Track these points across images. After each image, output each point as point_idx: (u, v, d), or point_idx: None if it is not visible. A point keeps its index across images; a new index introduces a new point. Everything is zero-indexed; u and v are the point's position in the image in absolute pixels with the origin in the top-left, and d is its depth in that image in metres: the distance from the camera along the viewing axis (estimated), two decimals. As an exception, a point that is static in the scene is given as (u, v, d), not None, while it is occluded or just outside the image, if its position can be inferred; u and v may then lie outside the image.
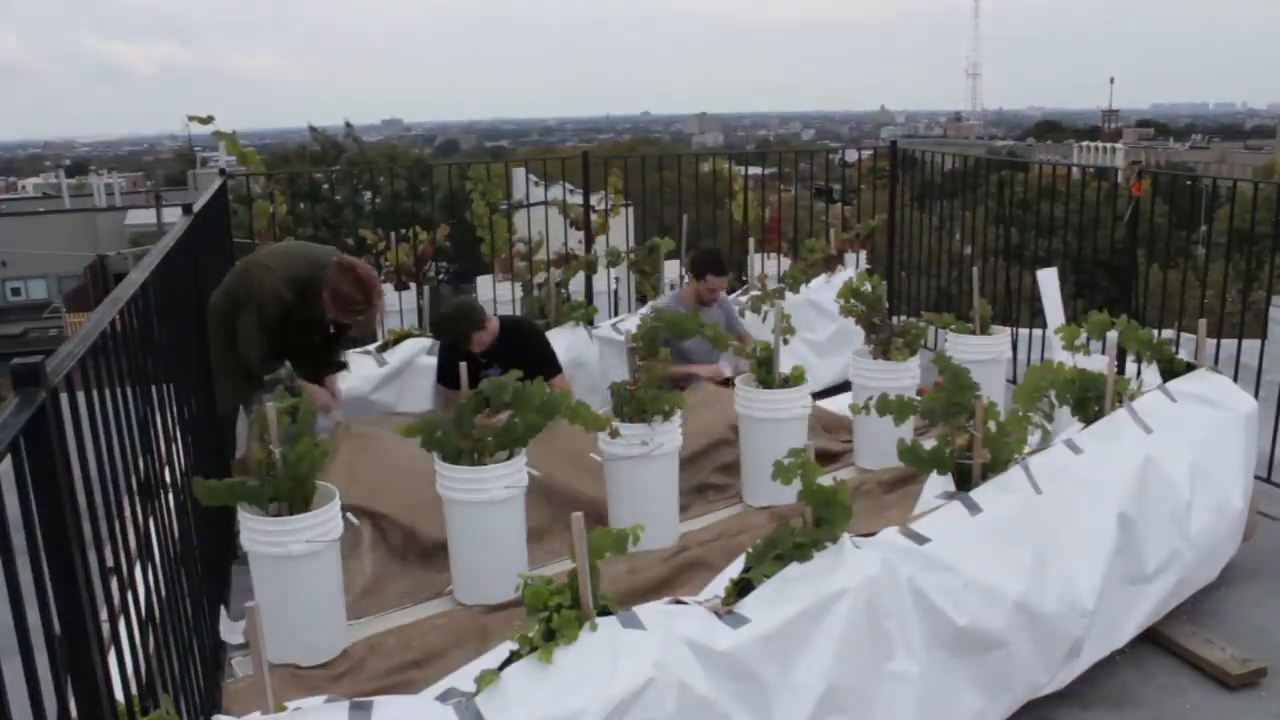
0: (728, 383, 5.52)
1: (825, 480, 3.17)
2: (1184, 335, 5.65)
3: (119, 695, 2.19)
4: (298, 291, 4.57)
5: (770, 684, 3.09)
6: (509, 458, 4.03)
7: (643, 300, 7.09)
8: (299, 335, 4.70)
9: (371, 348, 5.51)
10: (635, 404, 4.42)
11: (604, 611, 2.91)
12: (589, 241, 7.69)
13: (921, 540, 3.28)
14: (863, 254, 7.90)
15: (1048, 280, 5.89)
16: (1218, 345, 5.29)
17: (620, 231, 8.35)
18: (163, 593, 2.68)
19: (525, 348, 5.28)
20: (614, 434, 4.34)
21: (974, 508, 3.36)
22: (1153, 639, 3.68)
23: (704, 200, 9.01)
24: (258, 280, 4.56)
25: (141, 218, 36.20)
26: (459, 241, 10.26)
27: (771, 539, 3.20)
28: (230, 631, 3.74)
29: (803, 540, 3.15)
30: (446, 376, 5.30)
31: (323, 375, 4.88)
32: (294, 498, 3.60)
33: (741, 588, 3.15)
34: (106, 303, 2.52)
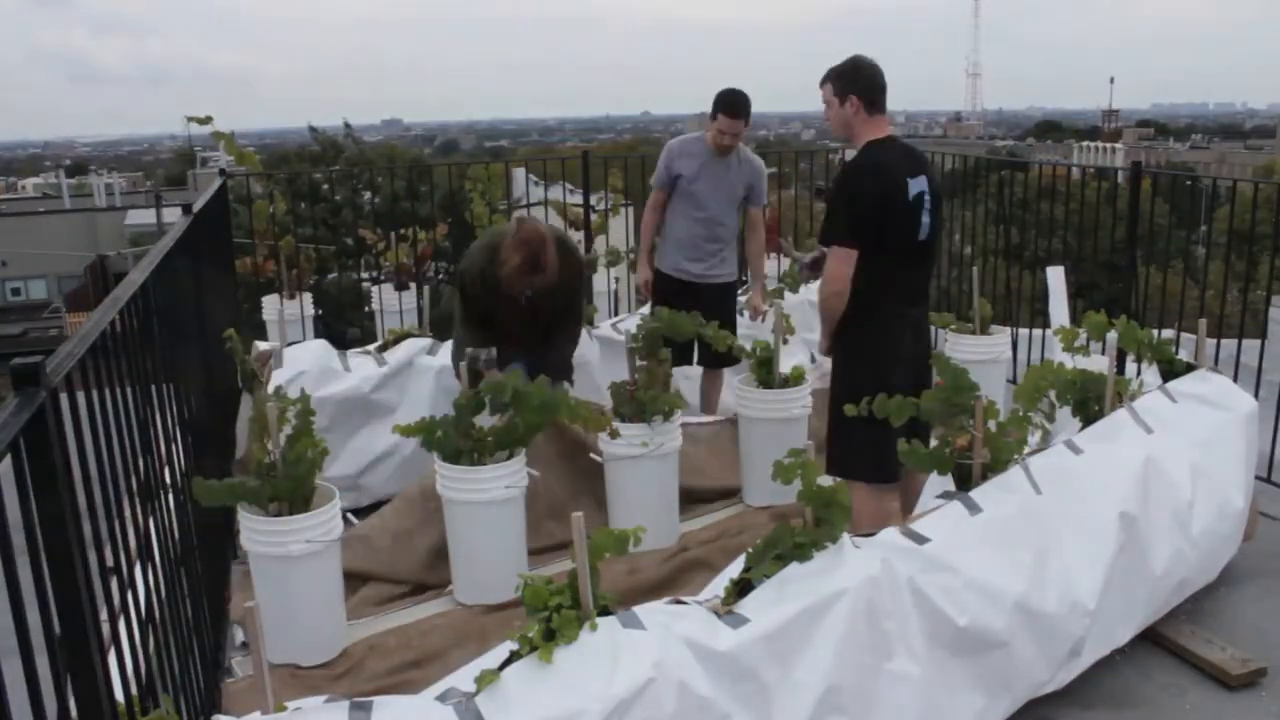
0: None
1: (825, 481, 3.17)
2: (1184, 335, 5.65)
3: (119, 695, 2.19)
4: (488, 257, 4.61)
5: (770, 684, 3.09)
6: (509, 458, 4.03)
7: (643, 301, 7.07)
8: (500, 313, 4.71)
9: (371, 348, 5.50)
10: (635, 404, 4.42)
11: (604, 611, 2.91)
12: (589, 241, 7.68)
13: (921, 540, 3.27)
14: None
15: (1055, 278, 5.88)
16: (1218, 345, 5.29)
17: (620, 231, 8.34)
18: (163, 593, 2.68)
19: None
20: (614, 434, 4.34)
21: (974, 508, 3.36)
22: (1153, 639, 3.68)
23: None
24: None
25: (141, 218, 36.17)
26: (459, 241, 10.26)
27: (771, 539, 3.20)
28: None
29: (803, 540, 3.15)
30: None
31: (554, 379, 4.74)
32: (294, 498, 3.60)
33: (741, 588, 3.15)
34: (106, 303, 2.52)
